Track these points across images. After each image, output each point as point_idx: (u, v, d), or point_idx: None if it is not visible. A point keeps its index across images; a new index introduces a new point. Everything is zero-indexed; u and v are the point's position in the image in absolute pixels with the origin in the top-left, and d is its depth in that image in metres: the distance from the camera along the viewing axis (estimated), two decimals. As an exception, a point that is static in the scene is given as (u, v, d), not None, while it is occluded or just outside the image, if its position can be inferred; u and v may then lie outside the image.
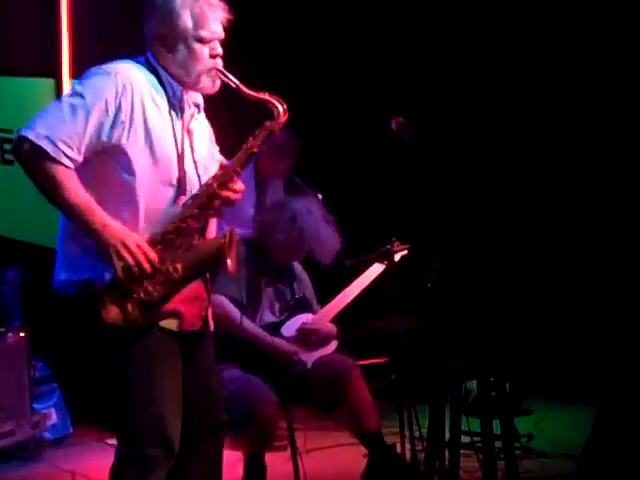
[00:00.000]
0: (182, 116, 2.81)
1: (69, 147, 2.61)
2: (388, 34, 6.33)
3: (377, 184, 6.21)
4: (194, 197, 2.76)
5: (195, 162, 2.82)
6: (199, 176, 2.82)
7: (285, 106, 2.83)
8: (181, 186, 2.76)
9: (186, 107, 2.82)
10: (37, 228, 5.58)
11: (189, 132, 2.83)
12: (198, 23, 2.74)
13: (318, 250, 4.09)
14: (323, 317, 4.18)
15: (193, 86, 2.81)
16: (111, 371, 2.74)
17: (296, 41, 6.26)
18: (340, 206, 4.43)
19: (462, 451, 3.67)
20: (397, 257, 4.24)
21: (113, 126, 2.66)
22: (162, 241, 2.70)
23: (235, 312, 3.92)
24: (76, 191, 2.61)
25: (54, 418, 5.10)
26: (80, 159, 2.65)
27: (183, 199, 2.76)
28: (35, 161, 2.61)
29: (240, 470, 3.90)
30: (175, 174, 2.75)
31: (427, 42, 6.24)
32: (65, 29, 5.72)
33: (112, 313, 2.64)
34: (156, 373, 2.72)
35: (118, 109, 2.66)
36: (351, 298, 4.22)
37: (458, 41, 6.21)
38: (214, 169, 2.86)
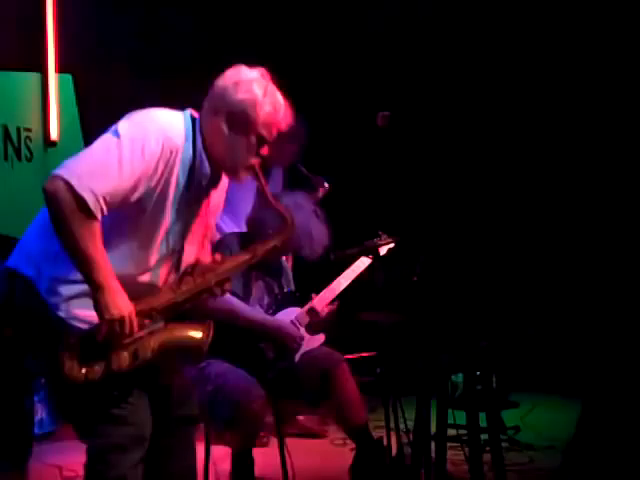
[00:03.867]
0: (194, 189, 2.71)
1: (107, 205, 2.54)
2: (377, 35, 6.36)
3: (363, 177, 6.21)
4: (188, 283, 2.71)
5: (189, 233, 2.76)
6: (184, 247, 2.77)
7: (293, 225, 2.86)
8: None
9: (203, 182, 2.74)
10: (16, 220, 5.54)
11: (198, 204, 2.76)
12: (268, 122, 2.68)
13: (307, 245, 4.08)
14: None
15: (227, 171, 2.76)
16: None
17: (284, 39, 6.27)
18: (327, 200, 4.43)
19: (448, 444, 3.68)
20: (384, 250, 4.23)
21: (147, 191, 2.60)
22: (149, 316, 2.64)
23: (237, 301, 3.91)
24: (95, 244, 2.53)
25: (41, 413, 5.08)
26: None
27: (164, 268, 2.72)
28: (72, 210, 2.50)
29: (228, 465, 3.91)
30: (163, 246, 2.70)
31: (414, 43, 6.27)
32: (50, 22, 5.70)
33: (75, 371, 2.55)
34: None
35: (154, 174, 2.59)
36: (338, 292, 4.22)
37: (444, 42, 6.24)
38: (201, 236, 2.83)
